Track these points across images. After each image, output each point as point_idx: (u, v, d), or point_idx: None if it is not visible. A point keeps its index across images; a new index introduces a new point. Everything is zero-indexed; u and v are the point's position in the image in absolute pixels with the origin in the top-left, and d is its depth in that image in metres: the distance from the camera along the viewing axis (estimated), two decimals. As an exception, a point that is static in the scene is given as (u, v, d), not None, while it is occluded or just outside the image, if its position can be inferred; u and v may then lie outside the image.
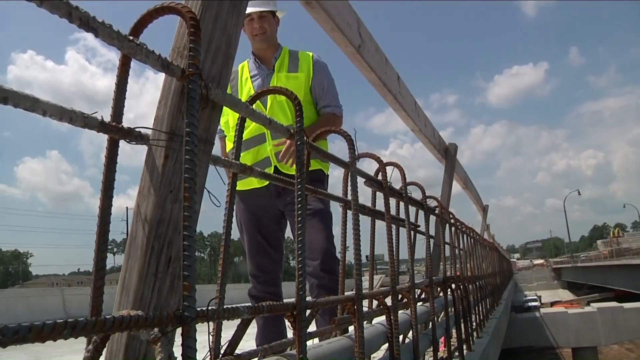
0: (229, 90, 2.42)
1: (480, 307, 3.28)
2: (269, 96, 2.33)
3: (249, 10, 2.33)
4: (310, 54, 2.43)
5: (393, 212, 1.55)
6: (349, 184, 1.08)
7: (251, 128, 2.32)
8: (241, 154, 2.33)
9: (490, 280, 4.91)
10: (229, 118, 2.45)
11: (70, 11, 0.42)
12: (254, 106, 2.27)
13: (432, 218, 2.16)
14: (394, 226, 1.53)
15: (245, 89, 2.43)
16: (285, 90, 0.82)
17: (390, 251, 1.28)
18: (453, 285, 2.28)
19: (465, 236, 2.97)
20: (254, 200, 2.39)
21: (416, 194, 1.83)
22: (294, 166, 2.25)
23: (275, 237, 2.40)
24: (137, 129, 0.57)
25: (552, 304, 26.48)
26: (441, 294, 2.23)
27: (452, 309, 2.31)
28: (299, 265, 0.77)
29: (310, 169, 2.26)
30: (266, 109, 2.32)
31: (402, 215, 1.64)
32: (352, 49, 1.26)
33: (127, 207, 51.45)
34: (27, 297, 13.99)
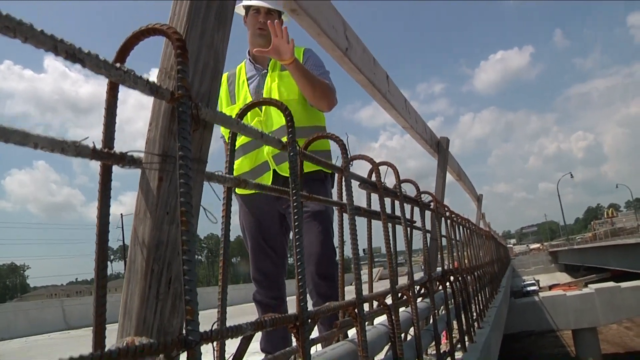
0: (227, 94, 2.39)
1: (479, 297, 3.30)
2: (264, 97, 2.30)
3: (257, 3, 2.29)
4: (302, 49, 2.37)
5: (388, 210, 1.55)
6: (344, 188, 1.08)
7: None
8: (240, 159, 2.33)
9: (489, 269, 4.93)
10: None
11: (56, 45, 0.42)
12: (250, 112, 2.24)
13: (428, 213, 2.17)
14: (390, 225, 1.54)
15: (242, 92, 2.39)
16: (276, 101, 0.82)
17: (388, 251, 1.29)
18: (452, 278, 2.29)
19: (461, 228, 2.98)
20: (256, 204, 2.37)
21: (410, 190, 1.83)
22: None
23: (277, 240, 2.37)
24: (129, 153, 0.57)
25: (551, 287, 26.63)
26: (440, 288, 2.23)
27: (452, 302, 2.32)
28: (299, 277, 0.77)
29: (308, 170, 2.23)
30: (261, 112, 2.30)
31: (398, 213, 1.65)
32: (340, 53, 1.26)
33: (121, 214, 51.34)
34: (26, 310, 13.94)
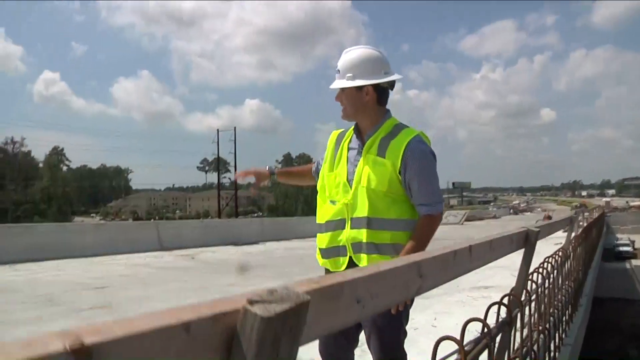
0: (332, 155, 2.37)
1: (553, 346, 3.18)
2: (363, 157, 2.21)
3: (332, 86, 2.25)
4: (408, 138, 2.16)
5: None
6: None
7: (336, 211, 2.23)
8: (321, 233, 2.28)
9: (573, 284, 4.68)
10: (324, 183, 2.33)
11: None
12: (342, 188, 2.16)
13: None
14: None
15: (342, 160, 2.30)
16: None
17: None
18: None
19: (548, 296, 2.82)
20: None
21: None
22: (372, 262, 2.17)
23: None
24: None
25: (648, 252, 24.95)
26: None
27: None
28: None
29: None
30: (350, 193, 2.21)
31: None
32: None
33: (217, 130, 53.52)
34: (125, 230, 15.35)
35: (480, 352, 1.62)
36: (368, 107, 2.23)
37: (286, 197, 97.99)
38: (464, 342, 1.50)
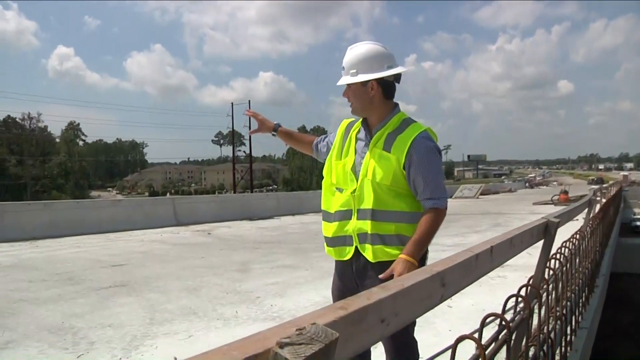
0: (341, 142, 2.39)
1: (569, 331, 3.17)
2: (370, 151, 2.23)
3: (339, 82, 2.28)
4: (414, 134, 2.18)
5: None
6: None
7: (343, 201, 2.26)
8: (329, 222, 2.31)
9: (590, 265, 4.64)
10: (332, 172, 2.36)
11: None
12: (350, 178, 2.18)
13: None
14: None
15: (351, 149, 2.33)
16: None
17: None
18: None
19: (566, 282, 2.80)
20: (340, 270, 2.36)
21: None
22: (376, 252, 2.21)
23: None
24: None
25: (665, 226, 24.68)
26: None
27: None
28: None
29: (386, 259, 2.17)
30: (357, 183, 2.23)
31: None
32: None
33: (232, 103, 53.50)
34: (142, 206, 15.52)
35: (499, 348, 1.63)
36: (374, 102, 2.25)
37: (301, 171, 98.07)
38: (482, 332, 1.52)
